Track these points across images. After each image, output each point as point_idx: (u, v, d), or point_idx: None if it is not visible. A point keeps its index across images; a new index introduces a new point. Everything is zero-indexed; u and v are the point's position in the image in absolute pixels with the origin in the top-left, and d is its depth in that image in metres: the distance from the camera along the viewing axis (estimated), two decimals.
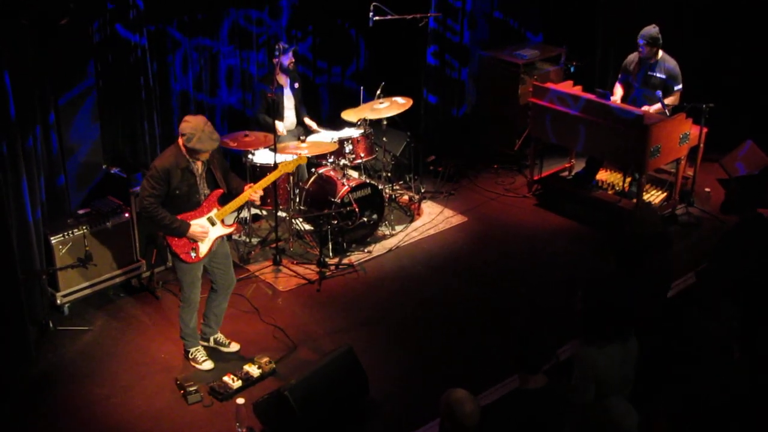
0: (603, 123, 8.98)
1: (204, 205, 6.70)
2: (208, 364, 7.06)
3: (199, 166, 6.60)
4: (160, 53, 8.87)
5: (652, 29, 9.03)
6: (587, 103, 9.14)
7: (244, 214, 8.93)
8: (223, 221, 6.83)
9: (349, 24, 10.50)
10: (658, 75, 9.13)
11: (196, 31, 9.19)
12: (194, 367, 7.06)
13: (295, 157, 7.70)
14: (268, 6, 9.74)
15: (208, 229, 6.71)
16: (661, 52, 9.13)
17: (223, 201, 6.82)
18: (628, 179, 9.53)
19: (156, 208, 6.49)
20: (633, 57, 9.38)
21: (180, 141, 6.48)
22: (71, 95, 7.82)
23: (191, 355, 7.09)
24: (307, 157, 8.28)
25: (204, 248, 6.73)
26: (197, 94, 9.33)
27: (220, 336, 7.26)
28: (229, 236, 7.19)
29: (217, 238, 6.80)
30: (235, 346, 7.28)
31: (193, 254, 6.70)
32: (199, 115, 6.59)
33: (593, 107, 9.08)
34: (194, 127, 6.37)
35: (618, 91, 9.49)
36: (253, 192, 6.84)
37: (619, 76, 9.61)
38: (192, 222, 6.62)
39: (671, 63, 9.14)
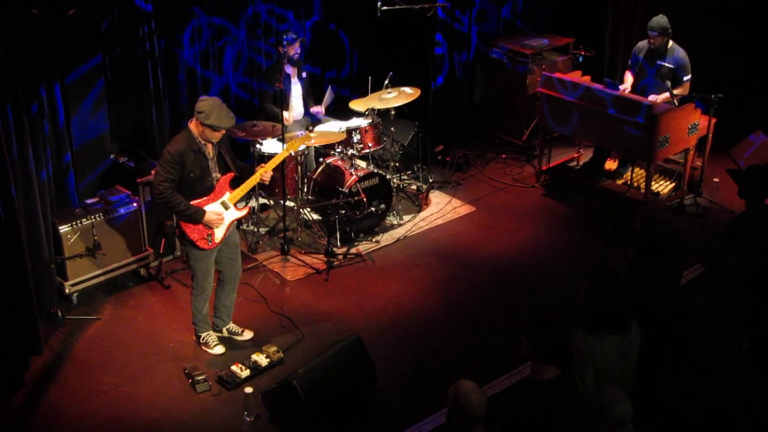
0: (611, 113, 8.96)
1: (217, 190, 6.73)
2: (220, 349, 7.09)
3: (210, 150, 6.63)
4: (171, 30, 8.79)
5: (661, 19, 9.00)
6: (596, 93, 9.11)
7: (252, 203, 8.93)
8: (236, 205, 6.86)
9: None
10: (668, 64, 9.10)
11: (216, 11, 9.16)
12: (206, 351, 7.10)
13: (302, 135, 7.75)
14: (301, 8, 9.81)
15: (223, 213, 6.74)
16: (671, 42, 9.10)
17: (234, 185, 6.87)
18: (638, 170, 9.52)
19: (171, 194, 6.50)
20: (643, 44, 9.34)
21: (192, 123, 6.52)
22: (79, 73, 7.81)
23: (203, 339, 7.12)
24: (312, 137, 8.25)
25: (219, 234, 6.76)
26: (205, 72, 9.27)
27: (232, 326, 7.29)
28: (238, 221, 7.23)
29: (231, 222, 6.83)
30: (248, 334, 7.30)
31: (209, 240, 6.73)
32: (213, 96, 6.63)
33: (601, 97, 9.06)
34: (211, 105, 6.43)
35: (628, 80, 9.47)
36: (264, 172, 6.89)
37: (629, 62, 9.57)
38: (207, 208, 6.65)
39: (681, 53, 9.11)
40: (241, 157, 7.20)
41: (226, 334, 7.27)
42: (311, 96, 9.45)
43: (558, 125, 9.65)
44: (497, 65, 10.92)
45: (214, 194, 6.73)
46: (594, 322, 5.18)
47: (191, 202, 6.60)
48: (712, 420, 5.51)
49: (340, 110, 9.79)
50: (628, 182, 9.60)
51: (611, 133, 9.08)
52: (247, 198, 8.53)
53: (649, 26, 9.05)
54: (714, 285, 5.75)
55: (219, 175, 6.75)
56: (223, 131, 6.58)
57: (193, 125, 6.53)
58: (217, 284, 7.13)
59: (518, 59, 10.62)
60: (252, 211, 8.94)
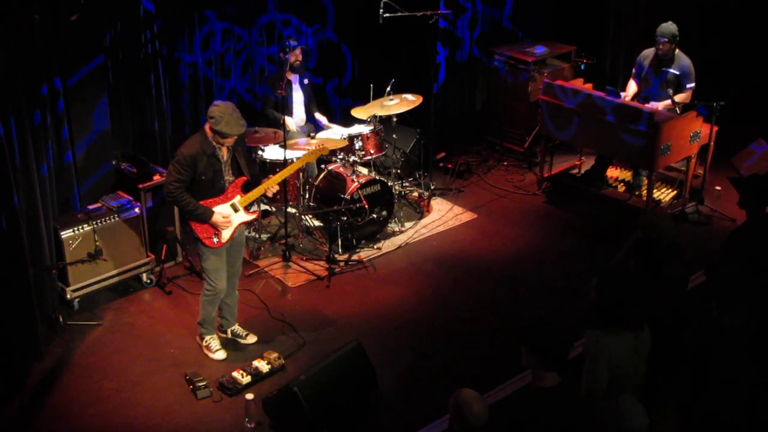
0: (612, 121, 8.96)
1: (228, 192, 6.78)
2: (221, 354, 7.09)
3: (224, 153, 6.68)
4: (175, 35, 8.79)
5: (671, 26, 8.99)
6: (596, 101, 9.12)
7: (254, 209, 8.93)
8: (245, 208, 6.88)
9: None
10: (673, 71, 9.10)
11: (224, 17, 9.16)
12: (207, 356, 7.09)
13: (317, 147, 7.79)
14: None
15: (231, 215, 6.78)
16: (677, 50, 9.11)
17: (246, 189, 6.90)
18: (638, 178, 9.53)
19: (181, 193, 6.57)
20: (648, 52, 9.34)
21: (207, 126, 6.54)
22: (81, 77, 7.80)
23: (205, 342, 7.12)
24: (328, 149, 8.23)
25: (226, 234, 6.79)
26: (208, 76, 9.24)
27: (237, 327, 7.30)
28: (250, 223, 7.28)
29: (239, 225, 6.86)
30: (252, 338, 7.31)
31: (215, 239, 6.75)
32: (227, 101, 6.65)
33: (601, 105, 9.07)
34: (222, 111, 6.47)
35: (631, 88, 9.46)
36: (277, 181, 6.98)
37: (633, 70, 9.57)
38: (215, 209, 6.69)
39: (686, 61, 9.12)
40: None
41: (230, 335, 7.29)
42: (313, 102, 9.46)
43: (559, 132, 9.65)
44: (499, 73, 10.93)
45: (225, 196, 6.77)
46: (607, 320, 5.18)
47: (201, 202, 6.64)
48: (713, 421, 5.51)
49: (342, 117, 9.79)
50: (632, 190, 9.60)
51: (613, 140, 9.07)
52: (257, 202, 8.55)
53: (659, 32, 9.03)
54: (716, 292, 5.75)
55: (232, 178, 6.80)
56: (235, 137, 6.61)
57: (208, 128, 6.58)
58: None
59: (520, 67, 10.63)
60: None
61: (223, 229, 6.77)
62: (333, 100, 10.47)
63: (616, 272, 5.50)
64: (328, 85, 10.40)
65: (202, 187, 6.65)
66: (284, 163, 8.11)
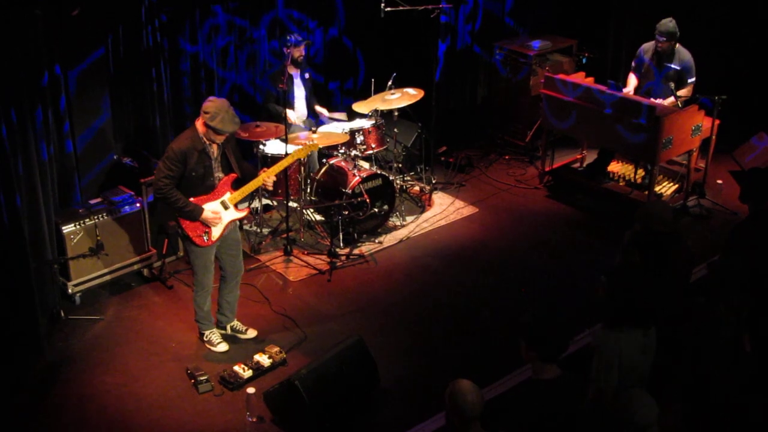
0: (614, 115, 8.95)
1: (218, 189, 6.75)
2: (223, 347, 7.11)
3: (214, 150, 6.65)
4: (176, 29, 8.75)
5: (669, 23, 8.98)
6: (597, 94, 9.11)
7: (255, 204, 8.94)
8: (236, 206, 6.87)
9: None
10: (674, 66, 9.10)
11: (229, 10, 9.16)
12: (209, 350, 7.11)
13: (308, 143, 7.78)
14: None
15: (221, 213, 6.76)
16: (677, 45, 9.10)
17: (236, 186, 6.88)
18: (641, 172, 9.51)
19: (170, 189, 6.53)
20: (648, 46, 9.34)
21: (199, 121, 6.53)
22: (83, 73, 7.79)
23: (206, 337, 7.13)
24: (318, 145, 8.25)
25: (216, 232, 6.77)
26: (209, 70, 9.20)
27: (236, 323, 7.30)
28: (240, 222, 7.25)
29: (229, 222, 6.85)
30: (252, 333, 7.32)
31: (205, 237, 6.74)
32: (222, 97, 6.66)
33: (603, 98, 9.05)
34: (218, 107, 6.44)
35: (632, 82, 9.46)
36: (267, 177, 6.91)
37: (633, 63, 9.56)
38: (205, 206, 6.66)
39: (687, 55, 9.12)
40: (244, 157, 7.19)
41: (229, 331, 7.29)
42: (314, 96, 9.45)
43: (560, 125, 9.63)
44: (499, 67, 10.91)
45: (215, 193, 6.74)
46: (618, 318, 5.19)
47: (191, 199, 6.62)
48: (713, 420, 5.52)
49: (345, 110, 9.78)
50: (630, 182, 9.58)
51: (614, 134, 9.06)
52: (249, 199, 8.57)
53: (658, 31, 9.03)
54: (717, 287, 5.75)
55: (221, 175, 6.76)
56: (227, 134, 6.60)
57: (199, 124, 6.55)
58: (219, 281, 7.14)
59: (521, 61, 10.62)
60: (255, 211, 8.96)
61: (213, 227, 6.75)
62: (336, 96, 10.45)
63: (624, 269, 5.50)
64: (330, 83, 10.37)
65: (192, 184, 6.62)
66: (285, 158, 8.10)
